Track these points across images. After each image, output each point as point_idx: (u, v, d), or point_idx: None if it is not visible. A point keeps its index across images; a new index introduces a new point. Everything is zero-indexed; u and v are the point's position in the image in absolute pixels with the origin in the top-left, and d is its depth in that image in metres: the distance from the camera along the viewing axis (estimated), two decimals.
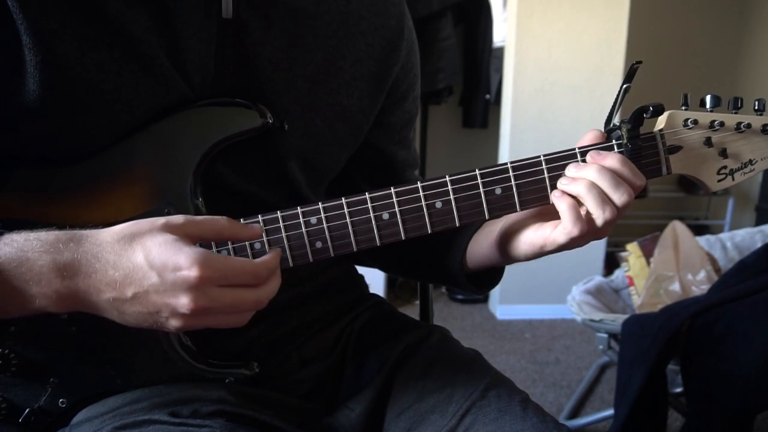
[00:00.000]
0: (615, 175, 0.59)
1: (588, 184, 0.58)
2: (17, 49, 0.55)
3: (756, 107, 0.62)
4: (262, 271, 0.53)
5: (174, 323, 0.51)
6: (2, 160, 0.60)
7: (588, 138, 0.62)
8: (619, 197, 0.58)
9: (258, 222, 0.60)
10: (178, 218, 0.52)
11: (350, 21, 0.69)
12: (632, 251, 2.08)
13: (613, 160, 0.60)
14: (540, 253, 0.64)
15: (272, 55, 0.65)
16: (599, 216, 0.58)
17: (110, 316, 0.52)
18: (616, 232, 3.38)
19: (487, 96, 3.30)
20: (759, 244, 2.04)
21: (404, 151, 0.83)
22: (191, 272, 0.49)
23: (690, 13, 3.75)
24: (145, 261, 0.49)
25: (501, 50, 2.99)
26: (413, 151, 0.85)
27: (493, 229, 0.70)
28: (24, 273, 0.49)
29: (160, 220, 0.51)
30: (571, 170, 0.61)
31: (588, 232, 0.59)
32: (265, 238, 0.61)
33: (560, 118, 2.77)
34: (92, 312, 0.52)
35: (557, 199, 0.60)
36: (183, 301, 0.49)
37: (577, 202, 0.60)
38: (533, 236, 0.63)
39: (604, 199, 0.58)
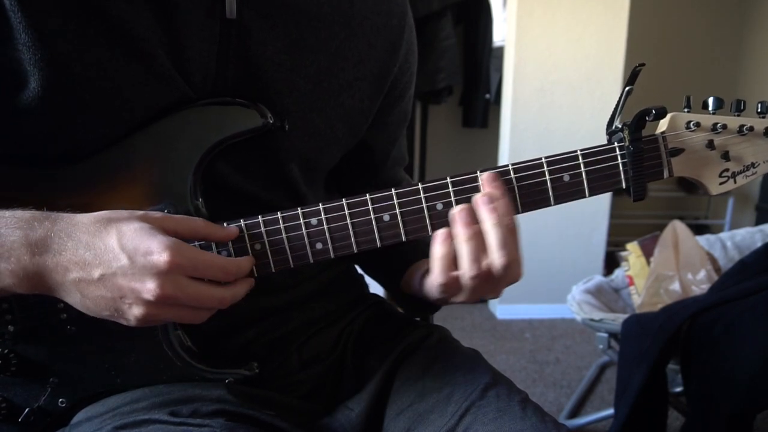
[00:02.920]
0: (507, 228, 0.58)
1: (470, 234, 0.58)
2: (16, 47, 0.54)
3: (759, 110, 0.62)
4: (232, 268, 0.56)
5: (136, 311, 0.52)
6: (1, 159, 0.60)
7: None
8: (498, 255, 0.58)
9: (258, 222, 0.60)
10: (156, 213, 0.55)
11: (353, 22, 0.69)
12: (632, 251, 2.08)
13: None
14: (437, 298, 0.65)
15: (274, 56, 0.64)
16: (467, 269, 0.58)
17: (72, 299, 0.53)
18: (617, 232, 3.40)
19: (487, 96, 3.30)
20: (759, 244, 2.04)
21: (395, 148, 0.84)
22: (162, 257, 0.50)
23: (690, 13, 3.75)
24: (117, 243, 0.51)
25: (501, 50, 2.99)
26: (403, 148, 0.87)
27: (420, 266, 0.72)
28: None
29: (139, 212, 0.54)
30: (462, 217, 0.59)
31: (456, 283, 0.60)
32: (265, 239, 0.61)
33: (560, 118, 2.77)
34: (55, 295, 0.53)
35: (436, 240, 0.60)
36: (149, 286, 0.50)
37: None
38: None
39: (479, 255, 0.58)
